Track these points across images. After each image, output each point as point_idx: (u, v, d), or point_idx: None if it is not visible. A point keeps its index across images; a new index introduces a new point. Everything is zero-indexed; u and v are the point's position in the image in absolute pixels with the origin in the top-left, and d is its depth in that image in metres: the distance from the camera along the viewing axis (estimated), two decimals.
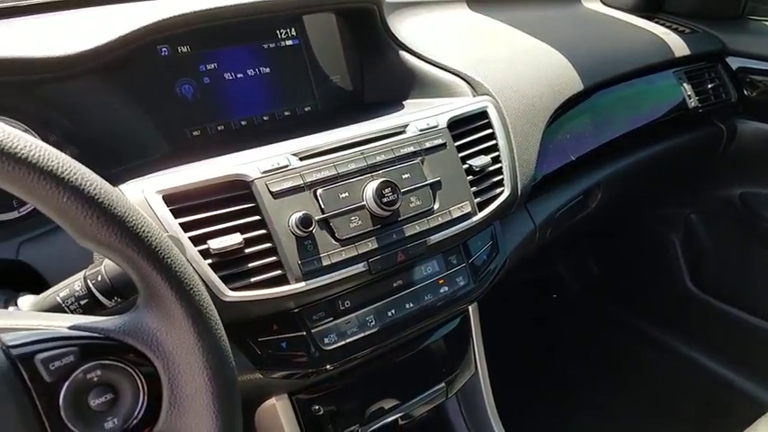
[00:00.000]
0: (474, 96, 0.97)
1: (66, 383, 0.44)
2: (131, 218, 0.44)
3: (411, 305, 0.84)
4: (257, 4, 0.87)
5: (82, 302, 0.56)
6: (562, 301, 1.96)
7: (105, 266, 0.56)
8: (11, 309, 0.58)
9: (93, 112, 0.78)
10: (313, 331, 0.78)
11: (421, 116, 0.87)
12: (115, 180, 0.69)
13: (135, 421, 0.46)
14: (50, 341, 0.44)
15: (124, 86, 0.83)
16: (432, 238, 0.82)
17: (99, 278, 0.56)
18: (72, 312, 0.56)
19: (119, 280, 0.56)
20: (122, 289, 0.56)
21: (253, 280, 0.71)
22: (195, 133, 0.95)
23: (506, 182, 0.91)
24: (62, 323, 0.46)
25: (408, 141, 0.83)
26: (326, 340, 0.78)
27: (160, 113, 0.88)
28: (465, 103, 0.93)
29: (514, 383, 1.23)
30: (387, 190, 0.77)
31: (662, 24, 1.52)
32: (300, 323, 0.77)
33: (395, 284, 0.84)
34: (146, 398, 0.47)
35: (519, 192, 0.93)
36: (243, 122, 0.99)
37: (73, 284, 0.56)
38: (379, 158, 0.80)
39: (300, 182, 0.75)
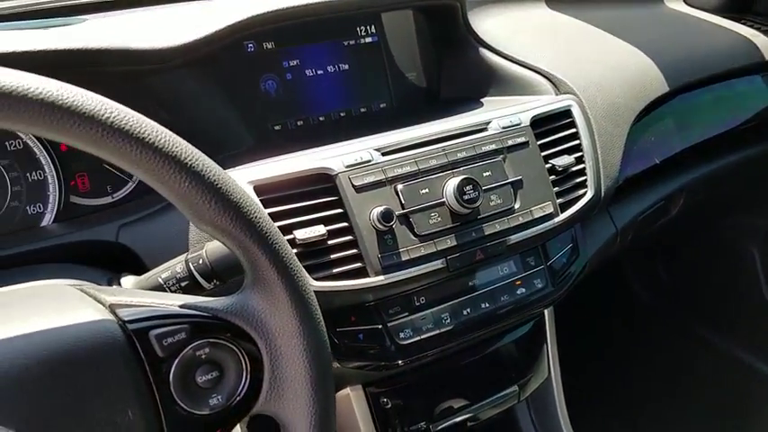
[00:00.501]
0: (557, 95, 0.95)
1: (177, 359, 0.46)
2: (246, 205, 0.46)
3: (487, 305, 0.83)
4: (347, 2, 0.88)
5: (182, 284, 0.58)
6: (630, 308, 1.89)
7: (206, 251, 0.58)
8: (115, 287, 0.61)
9: (186, 105, 0.81)
10: (389, 325, 0.78)
11: (503, 113, 0.86)
12: None
13: (237, 399, 0.48)
14: (163, 318, 0.46)
15: (214, 80, 0.85)
16: (511, 237, 0.81)
17: (200, 261, 0.58)
18: (172, 293, 0.58)
19: (219, 264, 0.58)
20: (221, 272, 0.58)
21: (335, 271, 0.72)
22: (276, 128, 0.97)
23: (590, 183, 0.89)
24: (173, 301, 0.48)
25: (490, 139, 0.83)
26: (402, 335, 0.78)
27: (246, 108, 0.91)
28: (548, 102, 0.91)
29: (584, 390, 1.20)
30: (468, 187, 0.76)
31: (750, 26, 1.44)
32: (377, 316, 0.78)
33: (471, 283, 0.83)
34: (248, 377, 0.48)
35: (602, 194, 0.91)
36: (321, 118, 1.01)
37: (174, 267, 0.59)
38: (460, 155, 0.80)
39: (382, 177, 0.76)
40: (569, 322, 1.19)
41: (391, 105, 1.05)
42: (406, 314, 0.79)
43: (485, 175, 0.80)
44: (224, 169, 0.71)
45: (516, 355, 0.97)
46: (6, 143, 0.74)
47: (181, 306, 0.48)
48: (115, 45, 0.69)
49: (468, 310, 0.82)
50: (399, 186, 0.76)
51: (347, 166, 0.74)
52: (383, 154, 0.77)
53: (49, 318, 0.45)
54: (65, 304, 0.47)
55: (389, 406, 0.90)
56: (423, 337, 0.79)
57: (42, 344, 0.42)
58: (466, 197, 0.76)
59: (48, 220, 0.77)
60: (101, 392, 0.42)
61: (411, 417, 0.91)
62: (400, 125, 0.86)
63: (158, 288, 0.59)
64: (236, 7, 0.84)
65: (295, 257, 0.49)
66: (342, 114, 1.02)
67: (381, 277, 0.74)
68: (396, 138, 0.80)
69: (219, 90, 0.86)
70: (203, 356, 0.47)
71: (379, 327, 0.78)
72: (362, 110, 1.04)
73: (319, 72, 1.00)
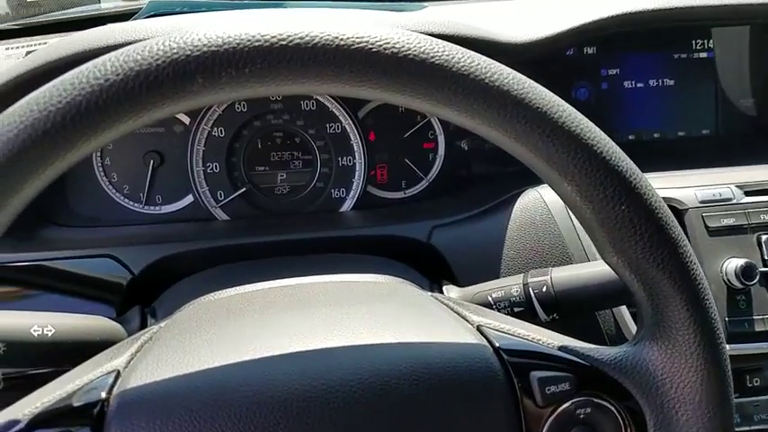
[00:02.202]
0: None
1: (555, 413, 0.37)
2: (683, 246, 0.35)
3: None
4: (715, 8, 0.75)
5: (515, 309, 0.50)
6: None
7: (552, 279, 0.50)
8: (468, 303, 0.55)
9: None
10: None
11: None
12: None
13: None
14: (545, 358, 0.38)
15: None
16: None
17: (543, 289, 0.49)
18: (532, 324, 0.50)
19: (566, 297, 0.49)
20: (566, 307, 0.49)
21: None
22: None
23: None
24: (546, 338, 0.39)
25: None
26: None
27: None
28: None
29: None
30: None
31: None
32: None
33: None
34: None
35: None
36: (630, 137, 0.88)
37: (510, 288, 0.51)
38: None
39: (744, 221, 0.61)
40: None
41: (716, 133, 0.89)
42: (737, 395, 0.63)
43: None
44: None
45: None
46: (327, 125, 0.73)
47: (560, 348, 0.39)
48: (485, 36, 0.64)
49: None
50: (764, 237, 0.61)
51: (702, 202, 0.61)
52: (746, 193, 0.62)
53: (413, 327, 0.39)
54: (428, 315, 0.42)
55: None
56: (752, 428, 0.63)
57: (412, 357, 0.36)
58: None
59: (347, 206, 0.75)
60: (471, 428, 0.35)
61: None
62: (729, 159, 0.71)
63: (484, 306, 0.52)
64: (577, 6, 0.74)
65: (719, 318, 0.38)
66: (655, 135, 0.88)
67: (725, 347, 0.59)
68: (762, 175, 0.64)
69: None
70: (582, 416, 0.38)
71: None
72: (680, 133, 0.88)
73: (639, 85, 0.87)
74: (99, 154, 0.71)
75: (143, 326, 0.51)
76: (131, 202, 0.72)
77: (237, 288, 0.50)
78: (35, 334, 0.43)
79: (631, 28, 0.76)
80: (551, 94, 0.34)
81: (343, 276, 0.50)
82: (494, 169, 0.75)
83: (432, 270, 0.61)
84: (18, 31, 0.86)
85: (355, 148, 0.74)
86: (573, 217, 0.60)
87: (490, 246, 0.61)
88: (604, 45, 0.84)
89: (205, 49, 0.29)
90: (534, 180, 0.65)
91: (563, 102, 0.34)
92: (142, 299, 0.58)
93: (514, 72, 0.33)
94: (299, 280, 0.49)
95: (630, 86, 0.86)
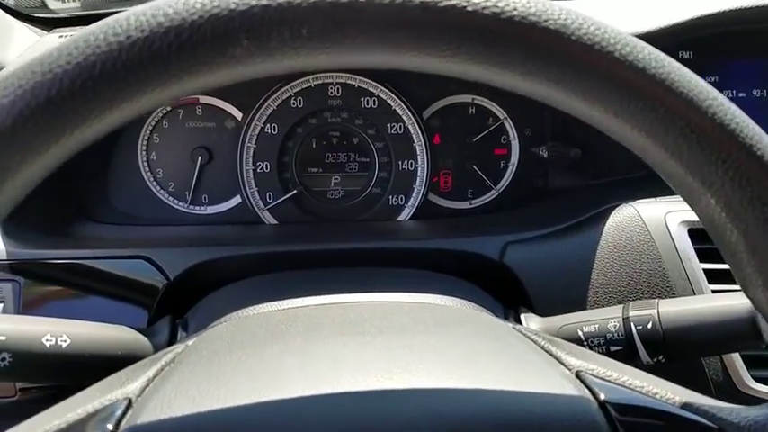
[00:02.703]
0: None
1: None
2: None
3: None
4: None
5: (612, 348, 0.42)
6: None
7: (660, 313, 0.41)
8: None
9: None
10: None
11: None
12: None
13: None
14: (666, 419, 0.30)
15: None
16: None
17: (649, 326, 0.41)
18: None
19: (676, 335, 0.41)
20: (675, 348, 0.41)
21: None
22: None
23: None
24: (665, 391, 0.31)
25: None
26: None
27: None
28: None
29: None
30: None
31: None
32: None
33: None
34: None
35: None
36: None
37: (606, 322, 0.43)
38: None
39: None
40: None
41: None
42: None
43: None
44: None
45: None
46: (388, 125, 0.67)
47: (683, 405, 0.30)
48: None
49: None
50: None
51: None
52: None
53: (495, 369, 0.32)
54: (512, 353, 0.34)
55: None
56: None
57: (496, 410, 0.29)
58: None
59: (406, 215, 0.68)
60: None
61: None
62: None
63: (573, 342, 0.43)
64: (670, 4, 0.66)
65: None
66: None
67: None
68: None
69: None
70: None
71: None
72: None
73: (740, 95, 0.77)
74: (145, 147, 0.67)
75: (172, 340, 0.46)
76: (176, 201, 0.68)
77: (280, 302, 0.43)
78: (47, 344, 0.38)
79: (742, 27, 0.66)
80: (699, 78, 0.26)
81: (401, 296, 0.43)
82: (576, 181, 0.66)
83: (503, 293, 0.53)
84: (76, 20, 0.83)
85: (418, 151, 0.67)
86: (675, 239, 0.51)
87: (575, 269, 0.53)
88: (702, 49, 0.75)
89: (254, 2, 0.23)
90: (625, 194, 0.57)
91: (714, 89, 0.26)
92: (179, 307, 0.53)
93: (651, 47, 0.26)
94: (350, 297, 0.42)
95: (731, 96, 0.77)
